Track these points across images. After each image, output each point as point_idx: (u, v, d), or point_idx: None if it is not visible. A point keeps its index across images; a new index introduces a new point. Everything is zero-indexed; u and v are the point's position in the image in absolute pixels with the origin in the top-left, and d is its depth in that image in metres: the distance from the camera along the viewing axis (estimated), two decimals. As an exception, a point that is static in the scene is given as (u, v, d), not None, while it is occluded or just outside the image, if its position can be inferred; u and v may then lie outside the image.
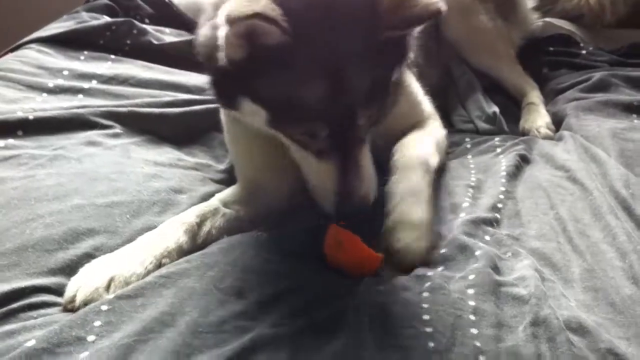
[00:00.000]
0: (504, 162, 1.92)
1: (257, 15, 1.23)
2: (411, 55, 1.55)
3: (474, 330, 1.19)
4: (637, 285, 1.37)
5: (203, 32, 1.49)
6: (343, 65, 1.32)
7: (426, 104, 1.94)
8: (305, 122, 1.39)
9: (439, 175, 1.80)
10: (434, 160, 1.73)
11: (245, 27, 1.26)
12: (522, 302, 1.28)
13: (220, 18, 1.30)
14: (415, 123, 1.85)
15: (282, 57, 1.30)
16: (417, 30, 1.48)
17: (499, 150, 2.06)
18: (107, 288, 1.27)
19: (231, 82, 1.40)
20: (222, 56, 1.35)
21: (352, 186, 1.41)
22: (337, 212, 1.43)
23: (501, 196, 1.73)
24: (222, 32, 1.31)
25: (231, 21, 1.25)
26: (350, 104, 1.36)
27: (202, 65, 1.54)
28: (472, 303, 1.27)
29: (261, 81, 1.36)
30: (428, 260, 1.44)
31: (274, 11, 1.25)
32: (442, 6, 1.33)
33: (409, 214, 1.49)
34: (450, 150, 2.10)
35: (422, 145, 1.73)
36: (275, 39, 1.27)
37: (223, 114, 1.75)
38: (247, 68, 1.34)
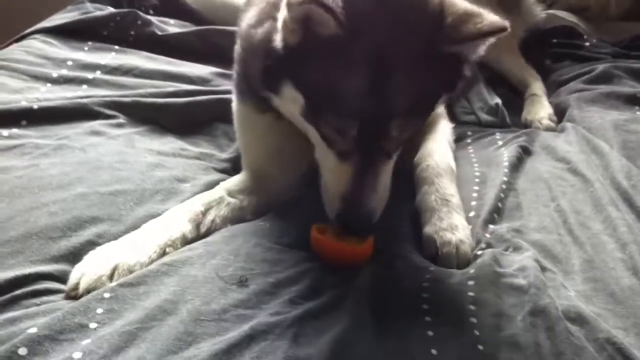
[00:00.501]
0: (506, 153, 1.93)
1: (315, 1, 1.25)
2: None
3: (473, 320, 1.21)
4: (637, 277, 1.38)
5: (255, 19, 1.53)
6: (391, 68, 1.31)
7: None
8: (338, 117, 1.37)
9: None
10: (454, 164, 1.75)
11: (303, 10, 1.29)
12: (522, 292, 1.29)
13: (282, 4, 1.33)
14: (429, 123, 1.85)
15: (333, 48, 1.31)
16: (477, 53, 1.42)
17: (500, 143, 2.07)
18: (111, 276, 1.27)
19: (279, 66, 1.41)
20: (278, 39, 1.38)
21: (361, 197, 1.37)
22: (337, 218, 1.40)
23: (503, 186, 1.74)
24: (281, 16, 1.35)
25: (290, 5, 1.30)
26: (388, 110, 1.34)
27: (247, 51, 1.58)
28: (471, 294, 1.28)
29: (307, 68, 1.36)
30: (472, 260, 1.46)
31: (334, 2, 1.26)
32: (508, 24, 1.33)
33: (447, 220, 1.51)
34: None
35: (443, 152, 1.76)
36: (329, 29, 1.29)
37: (235, 103, 1.76)
38: (298, 54, 1.36)
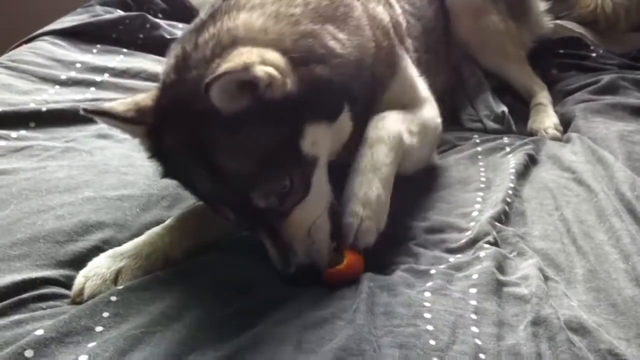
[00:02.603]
0: (513, 160, 1.94)
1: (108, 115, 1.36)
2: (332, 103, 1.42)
3: (475, 329, 1.21)
4: (639, 287, 1.38)
5: None
6: (204, 155, 1.29)
7: (421, 89, 1.86)
8: (211, 207, 1.41)
9: (438, 170, 1.84)
10: (408, 139, 1.62)
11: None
12: (524, 302, 1.30)
13: None
14: (409, 105, 1.77)
15: (161, 151, 1.38)
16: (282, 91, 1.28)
17: (508, 149, 2.07)
18: (115, 281, 1.29)
19: (163, 167, 1.46)
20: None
21: (289, 260, 1.34)
22: (283, 280, 1.36)
23: (509, 192, 1.74)
24: None
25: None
26: (236, 190, 1.30)
27: None
28: (473, 302, 1.28)
29: (167, 169, 1.44)
30: (374, 242, 1.42)
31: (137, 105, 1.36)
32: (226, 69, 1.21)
33: (365, 190, 1.45)
34: (459, 144, 2.13)
35: (397, 121, 1.62)
36: (137, 134, 1.39)
37: None
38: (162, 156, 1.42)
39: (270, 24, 1.36)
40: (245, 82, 1.23)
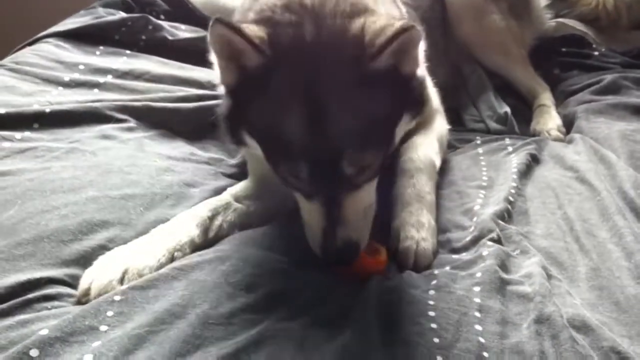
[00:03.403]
0: (515, 160, 1.95)
1: (230, 28, 1.27)
2: (426, 99, 1.52)
3: (479, 327, 1.21)
4: (642, 285, 1.38)
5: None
6: (324, 100, 1.28)
7: (434, 100, 1.94)
8: (287, 161, 1.35)
9: (442, 170, 1.83)
10: (438, 162, 1.76)
11: (220, 40, 1.30)
12: (527, 300, 1.30)
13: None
14: (424, 117, 1.81)
15: (262, 82, 1.31)
16: (412, 66, 1.38)
17: (510, 149, 2.08)
18: (121, 280, 1.29)
19: (233, 115, 1.42)
20: (219, 83, 1.42)
21: (336, 233, 1.33)
22: (322, 254, 1.38)
23: (512, 191, 1.75)
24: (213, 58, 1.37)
25: (210, 39, 1.32)
26: (333, 145, 1.29)
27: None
28: (477, 300, 1.29)
29: (251, 111, 1.37)
30: (432, 262, 1.47)
31: (252, 32, 1.29)
32: (412, 25, 1.28)
33: (416, 216, 1.53)
34: (460, 146, 2.13)
35: (428, 147, 1.74)
36: (252, 60, 1.30)
37: None
38: (241, 96, 1.37)
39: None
40: (402, 48, 1.30)
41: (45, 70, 2.04)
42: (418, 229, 1.50)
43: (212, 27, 1.28)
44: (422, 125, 1.83)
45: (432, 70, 1.99)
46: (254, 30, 1.30)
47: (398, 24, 1.27)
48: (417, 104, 1.46)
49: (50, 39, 2.25)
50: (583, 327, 1.26)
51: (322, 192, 1.34)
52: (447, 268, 1.43)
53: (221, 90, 1.46)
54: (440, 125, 1.92)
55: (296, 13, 1.33)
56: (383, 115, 1.35)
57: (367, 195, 1.40)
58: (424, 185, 1.62)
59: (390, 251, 1.48)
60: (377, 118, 1.33)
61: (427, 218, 1.54)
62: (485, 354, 1.15)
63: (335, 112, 1.28)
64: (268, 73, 1.30)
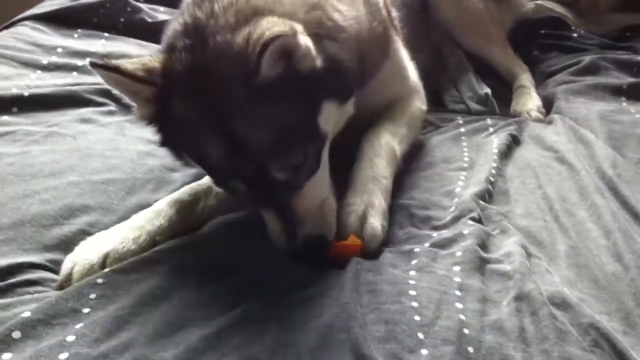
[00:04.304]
0: (496, 141, 1.96)
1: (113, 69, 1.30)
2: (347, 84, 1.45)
3: (459, 305, 1.22)
4: (620, 263, 1.40)
5: None
6: (226, 123, 1.27)
7: (411, 78, 1.95)
8: (221, 181, 1.39)
9: (421, 151, 1.87)
10: (400, 149, 1.72)
11: (109, 80, 1.34)
12: (507, 278, 1.31)
13: None
14: (398, 95, 1.87)
15: (168, 114, 1.33)
16: (305, 62, 1.29)
17: (491, 129, 2.09)
18: (102, 265, 1.29)
19: (165, 142, 1.43)
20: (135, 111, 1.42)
21: (296, 233, 1.35)
22: (291, 252, 1.37)
23: (493, 171, 1.76)
24: None
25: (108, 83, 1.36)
26: (254, 161, 1.29)
27: None
28: (457, 279, 1.29)
29: (173, 140, 1.41)
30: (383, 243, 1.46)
31: (137, 65, 1.31)
32: (271, 37, 1.21)
33: (367, 196, 1.51)
34: (443, 125, 2.15)
35: (392, 134, 1.72)
36: (147, 92, 1.32)
37: None
38: (160, 126, 1.39)
39: None
40: (285, 49, 1.24)
41: (23, 53, 2.03)
42: (367, 206, 1.48)
43: (96, 71, 1.31)
44: (396, 104, 1.84)
45: (413, 53, 2.01)
46: (137, 64, 1.32)
47: (267, 33, 1.21)
48: (337, 91, 1.41)
49: (27, 22, 2.24)
50: (562, 304, 1.26)
51: (266, 201, 1.37)
52: (427, 245, 1.43)
53: None
54: (414, 106, 1.91)
55: (191, 36, 1.31)
56: (294, 117, 1.32)
57: (316, 191, 1.40)
58: (382, 169, 1.60)
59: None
60: (289, 121, 1.31)
61: (378, 200, 1.52)
62: (466, 331, 1.16)
63: (241, 132, 1.27)
64: (165, 102, 1.31)
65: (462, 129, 2.08)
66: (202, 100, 1.28)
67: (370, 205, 1.49)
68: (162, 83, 1.30)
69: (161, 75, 1.31)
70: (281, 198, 1.35)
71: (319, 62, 1.31)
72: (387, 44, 1.78)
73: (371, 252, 1.42)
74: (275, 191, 1.34)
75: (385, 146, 1.66)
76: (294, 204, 1.36)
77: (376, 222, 1.46)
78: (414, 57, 2.02)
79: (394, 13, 1.98)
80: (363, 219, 1.46)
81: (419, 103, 1.94)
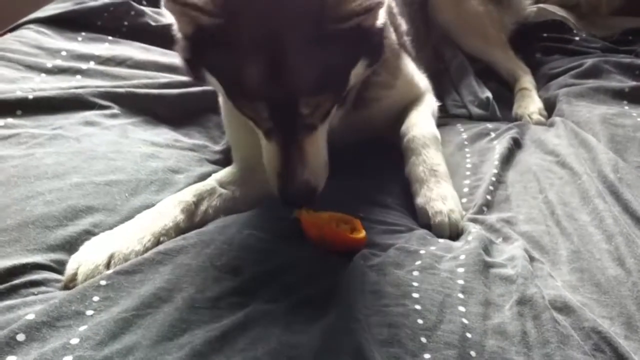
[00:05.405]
0: (498, 146, 1.96)
1: (176, 2, 1.33)
2: (384, 47, 1.57)
3: (462, 308, 1.23)
4: (622, 267, 1.40)
5: None
6: (282, 50, 1.32)
7: (421, 82, 2.01)
8: (248, 100, 1.41)
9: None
10: (438, 133, 1.81)
11: (174, 10, 1.37)
12: (510, 282, 1.32)
13: None
14: (413, 100, 1.93)
15: (219, 36, 1.35)
16: (374, 20, 1.46)
17: (493, 134, 2.09)
18: (107, 265, 1.30)
19: (191, 55, 1.46)
20: (176, 31, 1.46)
21: (294, 171, 1.41)
22: (280, 194, 1.44)
23: (493, 179, 1.77)
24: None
25: (164, 3, 1.36)
26: (290, 90, 1.36)
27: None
28: (460, 282, 1.30)
29: (210, 55, 1.41)
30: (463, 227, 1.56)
31: None
32: (377, 2, 1.38)
33: (436, 190, 1.60)
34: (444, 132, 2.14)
35: (426, 121, 1.82)
36: (206, 21, 1.34)
37: (220, 96, 1.78)
38: (199, 41, 1.40)
39: None
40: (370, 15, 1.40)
41: (28, 56, 2.04)
42: (444, 201, 1.57)
43: (167, 4, 1.35)
44: (413, 104, 1.90)
45: (415, 53, 2.02)
46: None
47: None
48: (374, 52, 1.52)
49: (31, 25, 2.24)
50: (564, 308, 1.27)
51: (281, 131, 1.41)
52: (433, 248, 1.44)
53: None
54: (430, 101, 1.99)
55: None
56: (338, 63, 1.42)
57: (323, 139, 1.48)
58: (433, 158, 1.68)
59: (422, 227, 1.56)
60: (333, 66, 1.40)
61: (447, 189, 1.62)
62: (469, 335, 1.17)
63: (293, 64, 1.34)
64: (224, 29, 1.34)
65: (464, 135, 2.08)
66: (268, 29, 1.33)
67: (443, 198, 1.58)
68: (224, 14, 1.33)
69: (222, 5, 1.34)
70: (294, 133, 1.41)
71: (377, 22, 1.46)
72: (397, 65, 1.86)
73: (456, 239, 1.52)
74: (292, 123, 1.40)
75: (427, 133, 1.75)
76: (304, 144, 1.42)
77: (456, 215, 1.56)
78: (416, 57, 2.04)
79: (403, 26, 2.02)
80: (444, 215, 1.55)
81: (433, 100, 2.02)
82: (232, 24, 1.33)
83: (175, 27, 1.47)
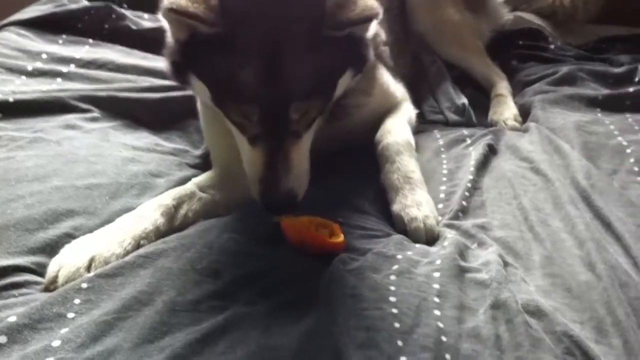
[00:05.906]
0: (474, 153, 1.98)
1: (175, 11, 1.35)
2: (370, 58, 1.59)
3: (437, 312, 1.25)
4: (593, 272, 1.43)
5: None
6: (280, 53, 1.36)
7: (397, 91, 2.04)
8: (238, 104, 1.43)
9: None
10: (413, 140, 1.84)
11: (170, 19, 1.40)
12: (484, 286, 1.34)
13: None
14: (389, 109, 1.96)
15: (217, 42, 1.38)
16: (366, 32, 1.51)
17: (469, 140, 2.11)
18: (88, 268, 1.30)
19: (181, 59, 1.48)
20: (169, 36, 1.49)
21: (276, 178, 1.43)
22: (262, 200, 1.47)
23: (468, 185, 1.79)
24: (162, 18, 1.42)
25: (162, 12, 1.39)
26: (283, 94, 1.39)
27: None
28: (436, 286, 1.32)
29: (202, 60, 1.43)
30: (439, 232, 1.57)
31: (197, 6, 1.35)
32: (376, 13, 1.43)
33: (411, 197, 1.61)
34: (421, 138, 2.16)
35: (401, 128, 1.85)
36: (205, 29, 1.37)
37: (198, 101, 1.79)
38: (190, 47, 1.43)
39: None
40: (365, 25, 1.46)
41: (8, 59, 2.04)
42: (419, 208, 1.58)
43: (166, 14, 1.38)
44: (390, 112, 1.93)
45: (394, 61, 2.05)
46: (201, 2, 1.36)
47: (363, 6, 1.41)
48: (359, 62, 1.55)
49: (11, 27, 2.24)
50: (537, 312, 1.29)
51: (269, 137, 1.43)
52: (410, 253, 1.46)
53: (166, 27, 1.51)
54: (408, 109, 2.02)
55: None
56: (329, 69, 1.46)
57: (307, 147, 1.51)
58: (407, 165, 1.70)
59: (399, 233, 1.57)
60: (324, 72, 1.44)
61: (421, 195, 1.63)
62: (444, 338, 1.18)
63: (289, 67, 1.37)
64: (222, 36, 1.37)
65: (441, 142, 2.10)
66: (266, 34, 1.37)
67: (419, 204, 1.60)
68: (224, 22, 1.36)
69: (221, 12, 1.36)
70: (281, 139, 1.43)
71: (368, 34, 1.50)
72: (374, 76, 1.89)
73: (432, 244, 1.54)
74: (281, 128, 1.43)
75: (401, 140, 1.78)
76: (290, 148, 1.44)
77: (432, 221, 1.57)
78: (395, 64, 2.07)
79: (382, 36, 2.04)
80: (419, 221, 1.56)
81: (411, 108, 2.06)
82: (230, 31, 1.36)
83: (167, 32, 1.49)
